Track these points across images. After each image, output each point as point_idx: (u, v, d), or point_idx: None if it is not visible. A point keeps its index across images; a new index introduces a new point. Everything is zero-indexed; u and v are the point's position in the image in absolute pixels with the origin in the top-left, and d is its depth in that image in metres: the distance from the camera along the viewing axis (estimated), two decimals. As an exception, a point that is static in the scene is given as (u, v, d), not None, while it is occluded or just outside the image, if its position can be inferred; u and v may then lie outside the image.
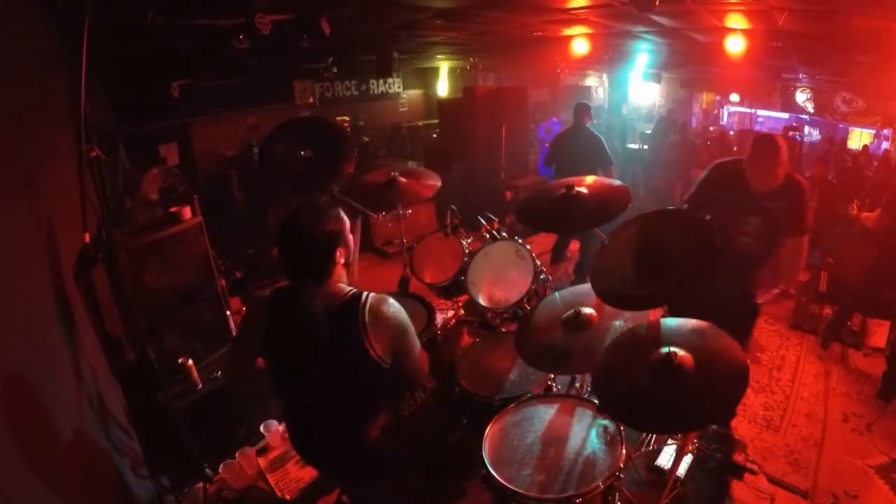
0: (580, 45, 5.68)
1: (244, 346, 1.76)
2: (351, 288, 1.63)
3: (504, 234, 2.98)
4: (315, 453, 1.82)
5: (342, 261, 1.65)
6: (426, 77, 9.62)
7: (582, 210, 2.26)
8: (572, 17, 4.58)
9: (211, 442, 2.57)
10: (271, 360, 1.68)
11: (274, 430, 2.77)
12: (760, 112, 11.29)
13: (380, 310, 1.57)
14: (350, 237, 1.68)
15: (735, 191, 2.47)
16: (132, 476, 2.06)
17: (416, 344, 1.70)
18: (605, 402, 1.71)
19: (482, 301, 2.63)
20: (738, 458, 2.60)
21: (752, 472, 2.57)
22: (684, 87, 11.82)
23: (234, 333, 3.03)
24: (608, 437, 1.69)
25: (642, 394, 1.57)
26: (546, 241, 5.12)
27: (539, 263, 2.65)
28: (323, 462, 1.88)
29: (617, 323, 1.98)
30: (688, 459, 2.39)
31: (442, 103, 8.42)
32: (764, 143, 2.41)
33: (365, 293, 1.60)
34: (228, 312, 3.07)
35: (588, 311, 2.03)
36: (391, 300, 1.63)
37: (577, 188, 2.31)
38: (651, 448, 2.53)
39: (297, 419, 1.80)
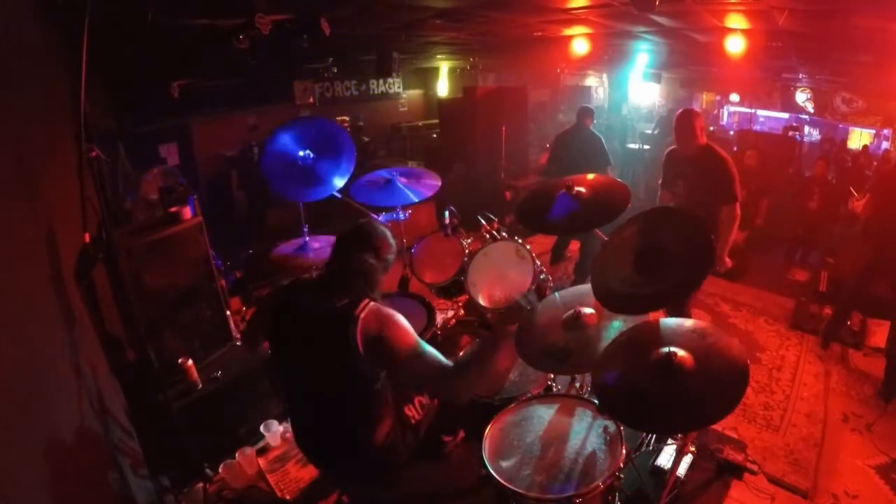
0: (580, 45, 5.67)
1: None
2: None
3: (504, 234, 2.98)
4: (316, 453, 1.83)
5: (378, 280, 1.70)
6: (426, 77, 9.62)
7: (582, 210, 2.26)
8: (572, 17, 4.58)
9: (211, 442, 2.58)
10: (273, 355, 1.70)
11: (274, 430, 2.77)
12: (760, 112, 11.25)
13: (371, 321, 1.55)
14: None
15: (674, 163, 3.31)
16: (132, 476, 2.06)
17: (406, 350, 1.58)
18: (605, 402, 1.71)
19: (482, 301, 2.63)
20: (738, 457, 2.60)
21: (752, 472, 2.57)
22: (684, 87, 11.78)
23: (234, 333, 3.04)
24: (608, 437, 1.69)
25: (642, 394, 1.57)
26: (546, 241, 5.11)
27: (539, 263, 2.64)
28: (324, 462, 1.88)
29: (617, 323, 1.98)
30: (688, 459, 2.39)
31: (442, 103, 8.41)
32: (683, 112, 3.18)
33: (364, 301, 1.58)
34: (228, 312, 3.07)
35: (588, 311, 2.03)
36: (391, 313, 1.61)
37: (576, 188, 2.31)
38: (651, 448, 2.53)
39: (298, 418, 1.80)
